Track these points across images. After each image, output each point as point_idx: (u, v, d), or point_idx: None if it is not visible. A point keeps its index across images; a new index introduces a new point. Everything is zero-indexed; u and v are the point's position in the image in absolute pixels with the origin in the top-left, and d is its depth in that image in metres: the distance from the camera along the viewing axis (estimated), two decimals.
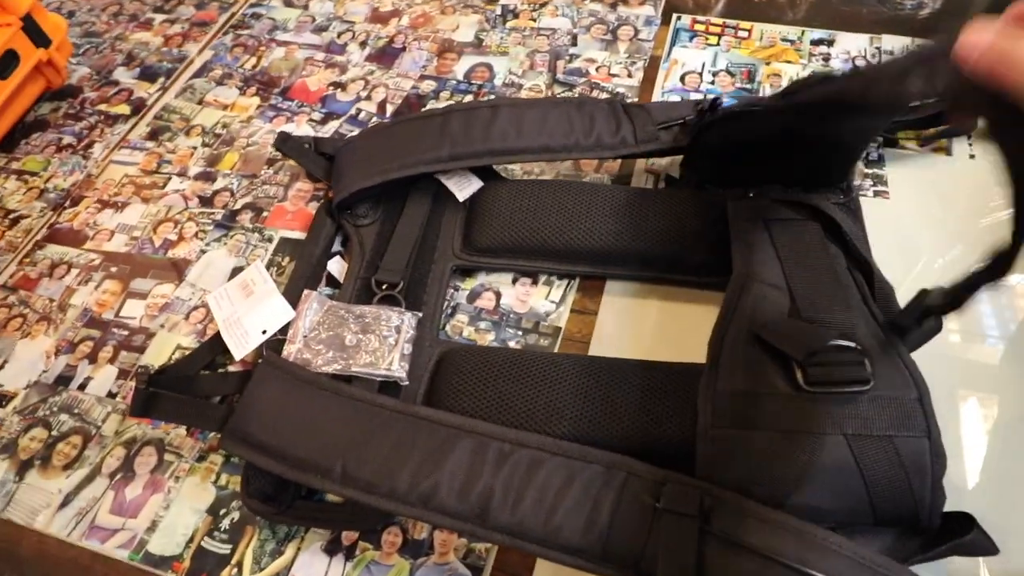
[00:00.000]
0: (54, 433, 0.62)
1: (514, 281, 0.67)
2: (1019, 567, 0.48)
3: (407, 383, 0.57)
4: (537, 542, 0.46)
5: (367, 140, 0.72)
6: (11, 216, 0.80)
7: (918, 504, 0.44)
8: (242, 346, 0.60)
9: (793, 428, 0.46)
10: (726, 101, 0.66)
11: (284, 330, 0.61)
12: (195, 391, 0.61)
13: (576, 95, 0.82)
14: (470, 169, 0.70)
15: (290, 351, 0.59)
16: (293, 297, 0.64)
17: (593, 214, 0.65)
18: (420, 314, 0.61)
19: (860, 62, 0.80)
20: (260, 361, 0.57)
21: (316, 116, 0.85)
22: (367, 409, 0.53)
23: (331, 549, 0.54)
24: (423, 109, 0.83)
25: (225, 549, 0.55)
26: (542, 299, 0.66)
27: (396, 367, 0.57)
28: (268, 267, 0.71)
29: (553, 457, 0.48)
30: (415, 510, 0.48)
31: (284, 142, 0.74)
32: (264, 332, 0.61)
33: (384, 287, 0.63)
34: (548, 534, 0.45)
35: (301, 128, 0.83)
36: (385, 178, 0.67)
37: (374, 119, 0.83)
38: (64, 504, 0.58)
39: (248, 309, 0.63)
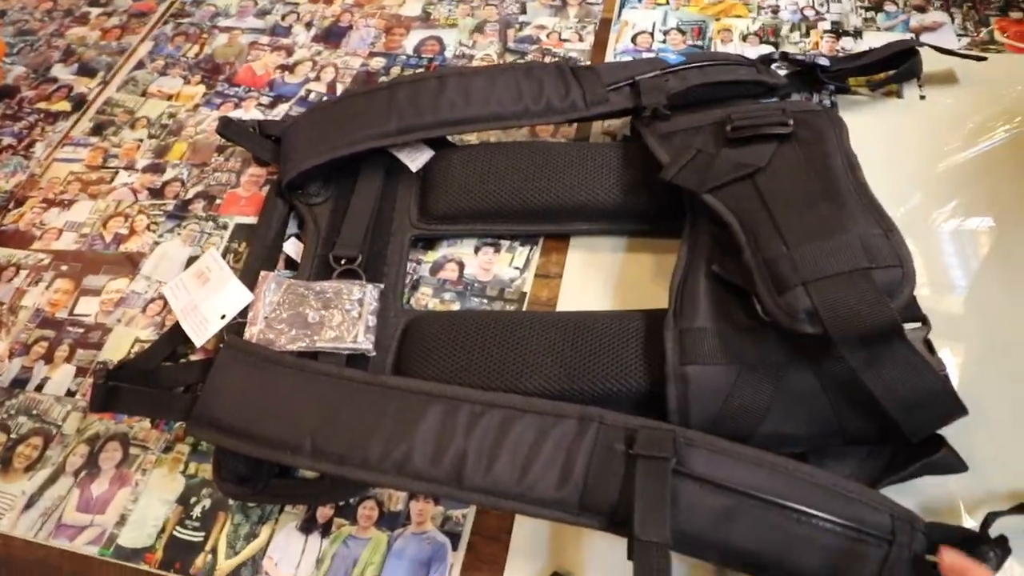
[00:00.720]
0: (13, 436, 0.60)
1: (476, 250, 0.67)
2: (987, 488, 0.49)
3: (374, 354, 0.57)
4: (514, 498, 0.45)
5: (312, 118, 0.71)
6: None
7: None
8: (201, 333, 0.59)
9: (757, 359, 0.46)
10: (675, 58, 0.66)
11: (244, 314, 0.60)
12: (157, 383, 0.59)
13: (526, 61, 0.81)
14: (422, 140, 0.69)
15: (252, 333, 0.58)
16: (251, 281, 0.62)
17: (548, 171, 0.65)
18: (382, 286, 0.61)
19: (809, 12, 0.81)
20: (222, 345, 0.56)
21: (264, 100, 0.83)
22: (334, 383, 0.52)
23: (307, 527, 0.53)
24: None
25: (198, 537, 0.54)
26: (505, 266, 0.66)
27: (362, 339, 0.56)
28: (224, 254, 0.69)
29: (524, 415, 0.48)
30: (389, 478, 0.47)
31: (227, 127, 0.73)
32: (223, 317, 0.60)
33: (343, 262, 0.62)
34: (524, 490, 0.45)
35: (250, 113, 0.82)
36: (333, 155, 0.66)
37: (324, 100, 0.81)
38: (28, 505, 0.56)
39: (205, 296, 0.62)
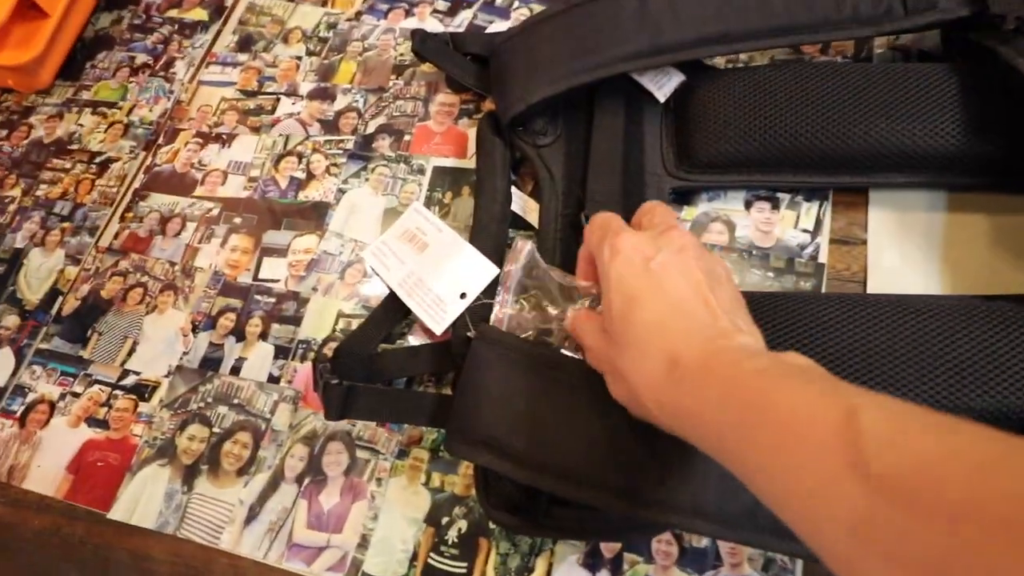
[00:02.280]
0: (216, 430, 0.52)
1: (747, 206, 0.53)
2: None
3: None
4: None
5: (535, 35, 0.55)
6: (97, 160, 0.67)
7: None
8: (438, 316, 0.48)
9: None
10: None
11: (488, 292, 0.48)
12: (380, 373, 0.50)
13: None
14: None
15: (500, 317, 0.47)
16: (484, 245, 0.50)
17: (853, 104, 0.49)
18: None
19: None
20: (473, 337, 0.45)
21: (441, 5, 0.68)
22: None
23: (591, 564, 0.44)
24: None
25: (459, 568, 0.45)
26: (790, 227, 0.52)
27: None
28: (428, 205, 0.57)
29: None
30: (763, 537, 0.37)
31: (424, 42, 0.59)
32: (463, 296, 0.48)
33: None
34: None
35: (426, 23, 0.67)
36: (573, 83, 0.52)
37: (520, 6, 0.66)
38: (250, 518, 0.49)
39: (429, 267, 0.50)
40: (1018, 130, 0.46)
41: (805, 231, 0.52)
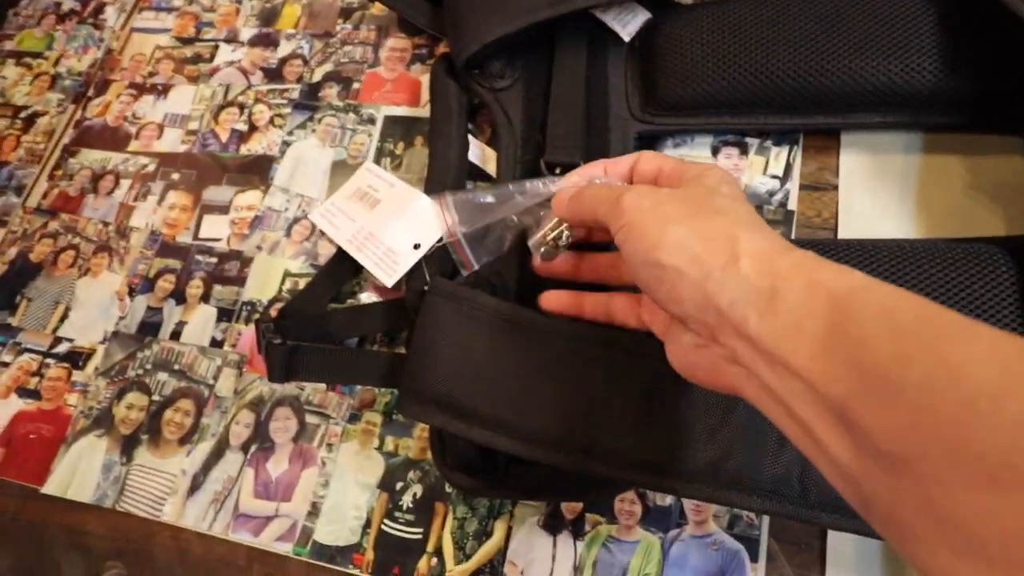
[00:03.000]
0: (155, 398, 0.49)
1: (715, 151, 0.51)
2: None
3: None
4: None
5: None
6: (22, 115, 0.62)
7: None
8: (390, 269, 0.45)
9: None
10: None
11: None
12: (330, 334, 0.47)
13: None
14: None
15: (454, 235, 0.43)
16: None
17: (824, 37, 0.46)
18: None
19: None
20: (427, 290, 0.42)
21: None
22: (612, 354, 0.38)
23: (552, 525, 0.42)
24: None
25: (415, 533, 0.43)
26: (759, 173, 0.50)
27: None
28: (379, 157, 0.54)
29: None
30: (711, 490, 0.35)
31: None
32: (417, 247, 0.45)
33: (558, 171, 0.47)
34: None
35: None
36: (531, 19, 0.48)
37: None
38: (194, 488, 0.46)
39: (382, 221, 0.47)
40: (996, 67, 0.44)
41: (774, 177, 0.50)
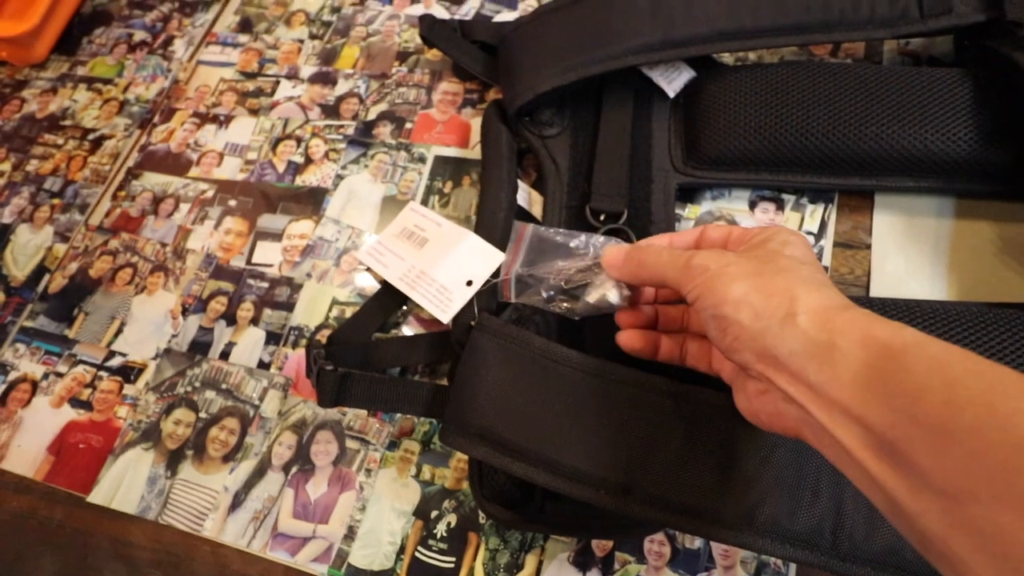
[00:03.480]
0: (202, 415, 0.51)
1: (752, 206, 0.53)
2: None
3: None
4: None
5: (546, 24, 0.55)
6: (90, 137, 0.65)
7: None
8: (444, 305, 0.47)
9: None
10: None
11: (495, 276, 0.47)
12: (374, 362, 0.48)
13: None
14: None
15: (508, 279, 0.45)
16: (490, 235, 0.49)
17: (865, 105, 0.49)
18: None
19: None
20: (473, 326, 0.44)
21: None
22: (647, 401, 0.40)
23: (582, 562, 0.43)
24: None
25: (447, 562, 0.44)
26: (795, 228, 0.51)
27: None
28: (427, 195, 0.56)
29: None
30: (746, 536, 0.36)
31: (432, 28, 0.58)
32: (469, 284, 0.47)
33: (602, 218, 0.49)
34: None
35: (432, 10, 0.66)
36: (582, 74, 0.51)
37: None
38: (235, 506, 0.48)
39: (432, 259, 0.49)
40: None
41: (810, 233, 0.51)
